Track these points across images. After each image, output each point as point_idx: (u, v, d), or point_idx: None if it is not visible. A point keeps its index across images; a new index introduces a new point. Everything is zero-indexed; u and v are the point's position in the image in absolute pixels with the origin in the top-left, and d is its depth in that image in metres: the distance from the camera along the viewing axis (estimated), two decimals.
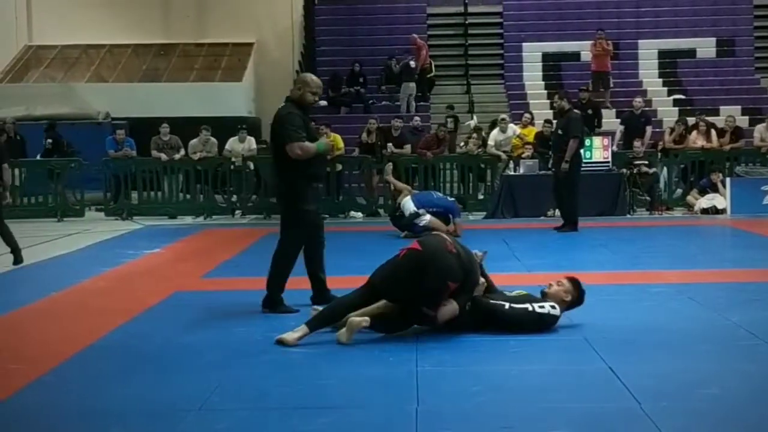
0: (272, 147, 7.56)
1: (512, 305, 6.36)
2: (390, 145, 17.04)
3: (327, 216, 16.33)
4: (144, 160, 17.18)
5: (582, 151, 15.40)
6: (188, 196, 17.21)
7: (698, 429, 4.41)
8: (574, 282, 6.59)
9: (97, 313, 7.62)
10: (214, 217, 16.74)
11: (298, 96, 7.38)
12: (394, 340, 6.25)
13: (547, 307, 6.37)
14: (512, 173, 16.22)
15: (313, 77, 7.54)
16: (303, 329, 6.24)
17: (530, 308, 6.35)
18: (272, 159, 7.61)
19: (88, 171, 17.16)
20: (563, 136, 13.19)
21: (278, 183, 7.60)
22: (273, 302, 7.40)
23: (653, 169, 16.43)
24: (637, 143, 16.66)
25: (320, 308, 6.66)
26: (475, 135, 17.65)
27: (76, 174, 17.02)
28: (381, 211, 16.49)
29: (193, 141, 17.22)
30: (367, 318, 6.20)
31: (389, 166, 15.23)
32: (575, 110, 13.78)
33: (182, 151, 17.13)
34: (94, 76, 24.85)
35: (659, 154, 17.15)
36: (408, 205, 12.77)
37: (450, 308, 6.21)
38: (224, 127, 18.05)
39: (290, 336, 6.19)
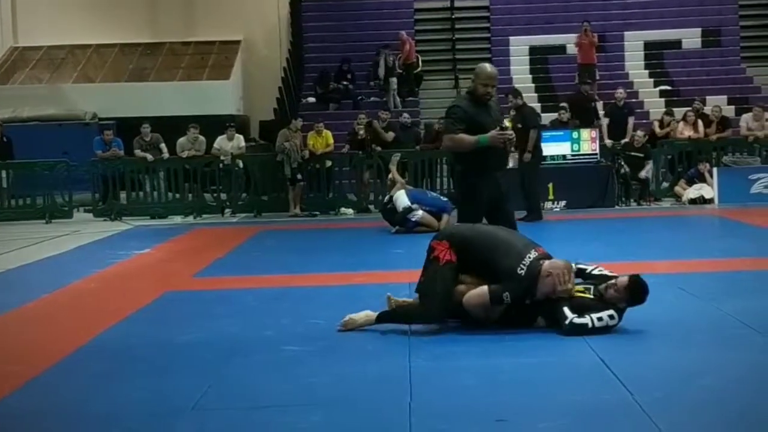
0: None
1: (573, 321, 6.02)
2: (378, 148, 16.96)
3: (318, 213, 16.37)
4: (132, 160, 17.13)
5: (569, 143, 15.77)
6: (177, 196, 17.17)
7: (691, 419, 4.42)
8: (630, 285, 6.13)
9: (89, 315, 7.61)
10: (203, 216, 16.71)
11: (473, 88, 7.39)
12: (387, 335, 6.25)
13: (605, 319, 6.06)
14: None
15: (485, 68, 7.42)
16: (370, 317, 6.40)
17: (589, 324, 6.02)
18: None
19: (76, 172, 17.10)
20: (523, 129, 13.81)
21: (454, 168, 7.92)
22: None
23: (649, 164, 16.46)
24: (640, 133, 16.68)
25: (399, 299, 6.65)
26: None
27: (64, 175, 16.96)
28: (372, 207, 16.49)
29: (182, 139, 17.18)
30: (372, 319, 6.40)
31: (397, 157, 15.18)
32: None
33: (164, 147, 17.13)
34: (80, 76, 24.78)
35: (647, 145, 17.17)
36: (402, 199, 12.79)
37: (477, 292, 6.17)
38: (212, 125, 18.02)
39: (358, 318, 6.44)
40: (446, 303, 6.22)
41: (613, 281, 6.21)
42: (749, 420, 4.42)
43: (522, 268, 6.09)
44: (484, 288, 6.15)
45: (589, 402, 4.69)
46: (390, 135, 17.28)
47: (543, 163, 14.84)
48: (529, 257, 6.16)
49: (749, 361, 5.49)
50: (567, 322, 6.03)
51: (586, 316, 6.05)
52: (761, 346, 5.81)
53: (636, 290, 6.15)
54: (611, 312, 6.11)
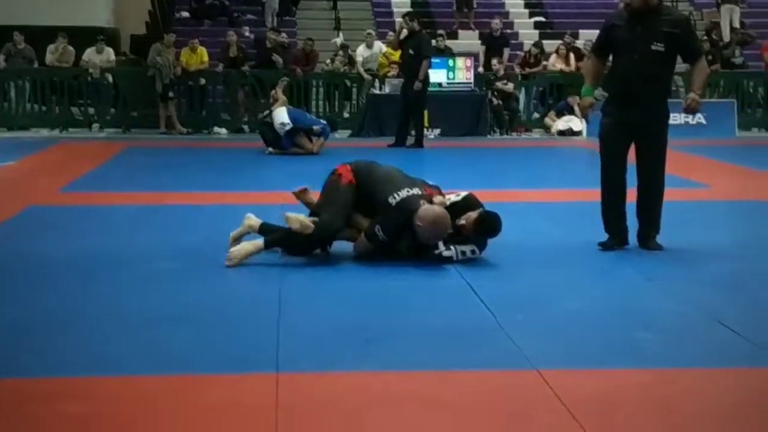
0: None
1: (442, 254, 6.05)
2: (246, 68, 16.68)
3: (191, 130, 16.09)
4: None
5: (445, 71, 15.92)
6: (43, 108, 16.60)
7: (551, 339, 4.57)
8: (479, 221, 6.08)
9: None
10: (70, 130, 16.23)
11: None
12: (261, 260, 6.16)
13: (468, 253, 6.12)
14: (378, 92, 16.29)
15: None
16: (257, 245, 6.03)
17: (454, 257, 6.06)
18: None
19: None
20: (415, 56, 13.68)
21: None
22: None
23: (511, 86, 16.72)
24: (494, 61, 16.94)
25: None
26: (341, 52, 17.57)
27: None
28: (245, 127, 16.32)
29: (50, 46, 16.63)
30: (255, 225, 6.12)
31: (285, 81, 14.96)
32: (425, 31, 14.24)
33: (36, 65, 16.63)
34: None
35: (519, 76, 17.46)
36: (281, 115, 12.71)
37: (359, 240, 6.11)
38: (82, 36, 17.39)
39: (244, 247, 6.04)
40: (347, 212, 6.05)
41: (462, 220, 6.10)
42: (608, 338, 4.61)
43: (394, 198, 5.91)
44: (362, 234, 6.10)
45: (454, 323, 4.82)
46: (279, 61, 16.91)
47: None
48: (407, 191, 5.96)
49: (610, 284, 5.75)
50: (436, 252, 6.09)
51: (452, 248, 6.11)
52: (621, 270, 6.06)
53: (485, 226, 6.11)
54: (473, 247, 6.18)
